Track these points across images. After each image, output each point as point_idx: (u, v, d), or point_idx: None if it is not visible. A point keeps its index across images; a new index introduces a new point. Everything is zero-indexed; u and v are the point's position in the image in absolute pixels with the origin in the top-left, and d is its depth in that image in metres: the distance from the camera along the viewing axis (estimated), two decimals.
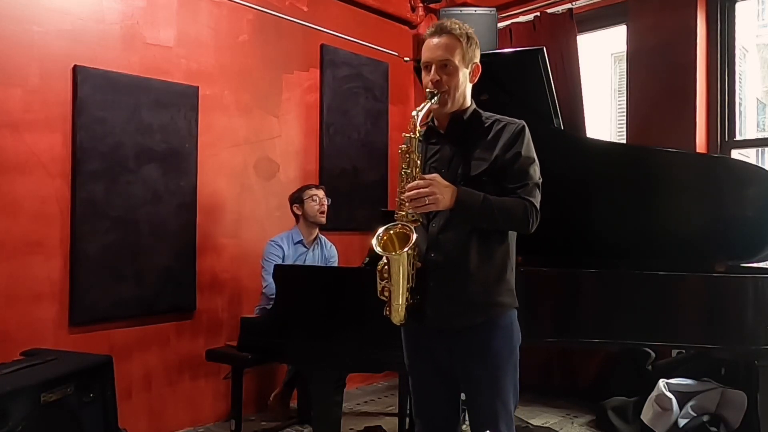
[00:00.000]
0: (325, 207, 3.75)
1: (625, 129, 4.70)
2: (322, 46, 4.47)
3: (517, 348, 1.92)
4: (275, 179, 4.20)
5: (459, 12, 4.58)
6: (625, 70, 4.70)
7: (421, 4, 5.10)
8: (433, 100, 1.85)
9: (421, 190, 1.74)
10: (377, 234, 1.81)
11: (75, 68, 3.21)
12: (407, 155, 1.84)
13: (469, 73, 1.93)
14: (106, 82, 3.31)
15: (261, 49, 4.10)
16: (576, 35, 4.45)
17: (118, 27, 3.40)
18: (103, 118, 3.29)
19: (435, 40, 1.90)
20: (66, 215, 3.19)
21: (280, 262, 3.59)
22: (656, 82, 4.16)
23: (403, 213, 1.80)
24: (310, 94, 4.44)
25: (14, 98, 3.03)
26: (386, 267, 1.83)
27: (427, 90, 1.88)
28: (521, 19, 4.78)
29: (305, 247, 3.76)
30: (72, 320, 3.20)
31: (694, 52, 4.02)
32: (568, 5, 4.47)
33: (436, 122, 1.98)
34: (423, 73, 1.92)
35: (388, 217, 3.12)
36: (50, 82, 3.15)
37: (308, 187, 3.78)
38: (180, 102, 3.63)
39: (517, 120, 1.92)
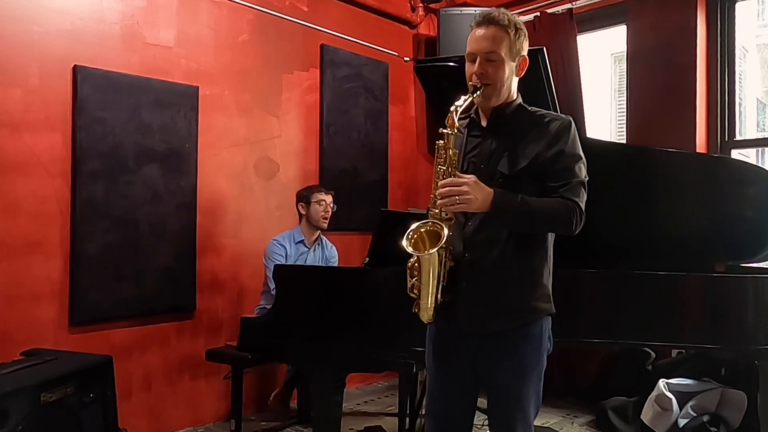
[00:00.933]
0: (330, 213, 3.74)
1: (625, 129, 4.70)
2: (322, 46, 4.47)
3: (545, 357, 1.85)
4: (275, 179, 4.20)
5: (459, 12, 4.58)
6: (625, 70, 4.70)
7: (421, 4, 5.10)
8: (475, 94, 1.77)
9: (454, 188, 1.67)
10: (407, 232, 1.75)
11: (75, 68, 3.21)
12: (443, 151, 1.75)
13: (516, 66, 1.84)
14: (106, 82, 3.31)
15: (261, 49, 4.10)
16: (576, 35, 4.44)
17: (118, 27, 3.39)
18: (103, 118, 3.29)
19: (481, 31, 1.80)
20: (66, 215, 3.19)
21: (283, 261, 3.60)
22: (656, 82, 4.16)
23: (437, 210, 1.74)
24: (310, 94, 4.44)
25: (14, 98, 3.03)
26: (416, 264, 1.77)
27: (470, 84, 1.79)
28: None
29: (306, 247, 3.76)
30: (72, 320, 3.20)
31: (694, 52, 4.02)
32: (568, 5, 4.47)
33: (479, 115, 1.89)
34: (467, 65, 1.82)
35: (387, 217, 3.14)
36: (50, 82, 3.15)
37: (318, 189, 3.76)
38: (180, 102, 3.63)
39: (563, 116, 1.85)
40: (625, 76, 4.50)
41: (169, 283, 3.58)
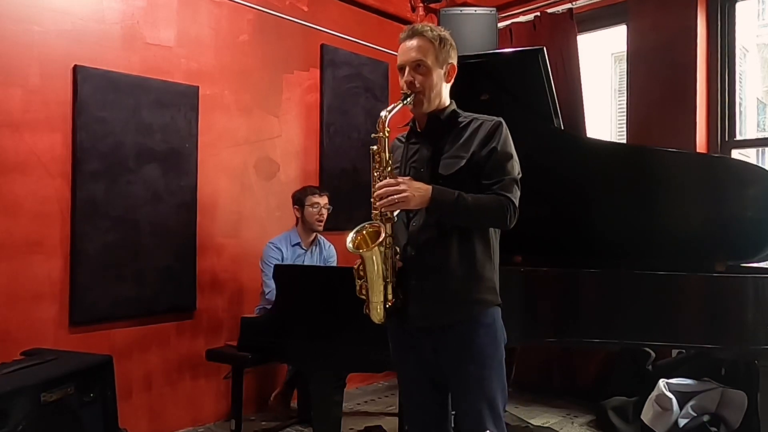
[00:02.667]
0: (324, 216, 3.72)
1: (625, 129, 4.70)
2: (322, 46, 4.47)
3: (502, 346, 1.93)
4: (275, 179, 4.20)
5: (459, 12, 4.57)
6: (625, 70, 4.70)
7: (421, 4, 5.10)
8: (405, 101, 1.89)
9: (390, 188, 1.77)
10: (350, 234, 1.87)
11: (75, 68, 3.21)
12: (378, 155, 1.86)
13: (444, 74, 1.94)
14: (107, 82, 3.31)
15: (261, 49, 4.10)
16: (576, 35, 4.44)
17: (118, 27, 3.40)
18: (103, 118, 3.29)
19: (408, 43, 1.92)
20: (66, 215, 3.19)
21: (280, 263, 3.59)
22: (656, 82, 4.16)
23: (377, 212, 1.84)
24: (310, 94, 4.44)
25: (14, 98, 3.03)
26: (362, 266, 1.87)
27: (402, 91, 1.91)
28: (521, 19, 4.78)
29: (303, 249, 3.75)
30: (72, 320, 3.20)
31: (694, 52, 4.02)
32: (568, 5, 4.47)
33: (416, 123, 2.00)
34: (399, 77, 1.94)
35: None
36: (50, 82, 3.15)
37: (312, 192, 3.73)
38: (180, 102, 3.63)
39: (494, 117, 1.94)
40: (625, 76, 4.50)
41: (169, 283, 3.58)
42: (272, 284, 3.22)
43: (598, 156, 3.15)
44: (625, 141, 4.79)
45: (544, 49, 2.88)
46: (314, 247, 3.81)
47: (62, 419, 2.45)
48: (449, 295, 1.87)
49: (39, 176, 3.11)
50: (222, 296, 3.89)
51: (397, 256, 1.87)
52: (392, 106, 1.88)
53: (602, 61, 6.99)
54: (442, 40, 1.93)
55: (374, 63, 4.81)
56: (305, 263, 3.72)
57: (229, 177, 3.93)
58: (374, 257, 1.82)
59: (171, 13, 3.63)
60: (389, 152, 1.87)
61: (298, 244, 3.74)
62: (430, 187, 1.80)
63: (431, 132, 1.96)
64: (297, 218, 3.76)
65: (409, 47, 1.91)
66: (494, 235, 1.95)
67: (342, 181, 4.54)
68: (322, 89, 4.47)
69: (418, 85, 1.89)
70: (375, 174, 1.87)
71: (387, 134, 1.86)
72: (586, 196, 3.09)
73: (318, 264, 3.79)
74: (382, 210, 1.82)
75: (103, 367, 2.68)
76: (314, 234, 3.78)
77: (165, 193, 3.56)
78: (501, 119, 1.93)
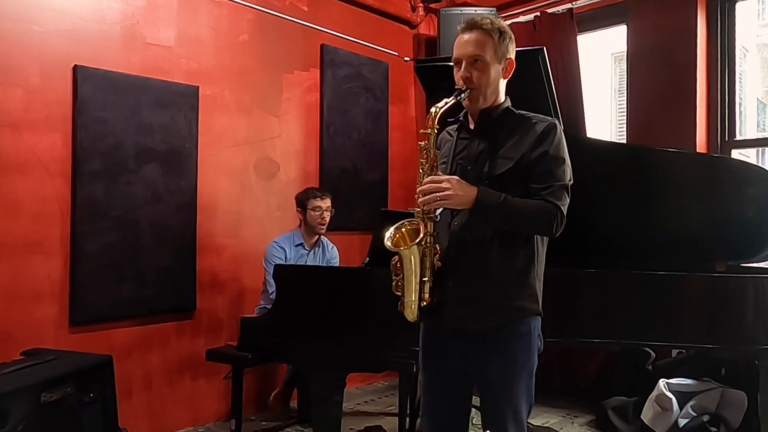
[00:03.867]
0: (327, 219, 3.71)
1: (625, 129, 4.70)
2: (322, 46, 4.47)
3: (536, 355, 1.87)
4: (275, 179, 4.20)
5: (459, 12, 4.58)
6: (625, 70, 4.70)
7: (421, 4, 5.10)
8: (460, 97, 1.81)
9: (434, 185, 1.72)
10: (389, 232, 1.80)
11: (75, 68, 3.21)
12: (425, 151, 1.80)
13: (503, 69, 1.88)
14: (107, 82, 3.31)
15: (261, 49, 4.10)
16: (576, 35, 4.44)
17: (118, 27, 3.40)
18: (103, 118, 3.29)
19: (466, 36, 1.84)
20: (66, 215, 3.19)
21: (283, 263, 3.59)
22: (656, 82, 4.16)
23: (419, 209, 1.78)
24: (310, 94, 4.44)
25: (14, 98, 3.03)
26: (399, 263, 1.81)
27: (456, 87, 1.83)
28: (521, 19, 4.78)
29: (305, 249, 3.75)
30: (72, 320, 3.20)
31: (694, 52, 4.02)
32: (568, 5, 4.47)
33: (468, 118, 1.94)
34: (454, 70, 1.86)
35: (388, 217, 3.13)
36: (50, 82, 3.15)
37: (315, 195, 3.71)
38: (180, 102, 3.63)
39: (549, 118, 1.88)
40: (625, 76, 4.50)
41: (169, 283, 3.58)
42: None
43: (598, 156, 3.14)
44: (625, 141, 4.79)
45: (544, 49, 2.88)
46: (317, 248, 3.81)
47: (62, 419, 2.45)
48: (487, 299, 1.81)
49: (39, 176, 3.11)
50: (222, 296, 3.89)
51: (437, 256, 1.81)
52: (444, 101, 1.80)
53: (602, 61, 6.98)
54: (501, 33, 1.85)
55: (374, 63, 4.81)
56: (308, 264, 3.72)
57: (229, 177, 3.93)
58: (412, 256, 1.76)
59: (171, 13, 3.63)
60: (435, 149, 1.81)
61: (301, 244, 3.74)
62: (475, 188, 1.74)
63: (483, 129, 1.89)
64: (300, 220, 3.75)
65: (467, 40, 1.83)
66: (540, 242, 1.88)
67: (342, 181, 4.54)
68: (322, 89, 4.47)
69: (474, 81, 1.81)
70: (421, 171, 1.80)
71: (436, 130, 1.81)
72: (586, 195, 3.05)
73: (320, 264, 3.78)
74: (424, 207, 1.76)
75: (103, 367, 2.68)
76: (317, 235, 3.78)
77: (165, 193, 3.56)
78: (556, 121, 1.87)
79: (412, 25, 5.14)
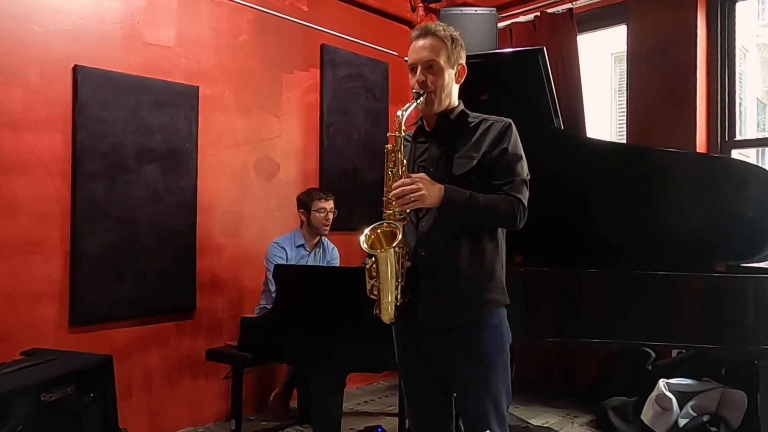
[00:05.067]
0: (331, 220, 3.71)
1: (625, 129, 4.70)
2: (322, 46, 4.47)
3: (507, 346, 1.94)
4: (275, 179, 4.20)
5: (459, 12, 4.58)
6: (625, 70, 4.70)
7: (421, 4, 5.10)
8: (419, 101, 1.88)
9: (406, 187, 1.76)
10: (364, 233, 1.84)
11: (75, 68, 3.21)
12: (393, 154, 1.87)
13: (455, 74, 1.95)
14: (107, 82, 3.31)
15: (261, 49, 4.10)
16: (576, 35, 4.44)
17: (118, 27, 3.40)
18: (103, 118, 3.29)
19: (420, 42, 1.92)
20: (66, 215, 3.19)
21: (284, 263, 3.58)
22: (656, 82, 4.16)
23: (391, 211, 1.82)
24: (310, 94, 4.44)
25: (14, 98, 3.03)
26: (374, 266, 1.86)
27: (413, 90, 1.91)
28: (521, 19, 4.78)
29: (307, 250, 3.75)
30: (72, 320, 3.20)
31: (694, 52, 4.02)
32: (568, 5, 4.47)
33: (425, 122, 2.01)
34: (410, 75, 1.94)
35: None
36: (50, 82, 3.15)
37: (318, 196, 3.70)
38: (180, 102, 3.63)
39: (504, 118, 1.95)
40: (625, 76, 4.50)
41: (169, 283, 3.58)
42: None
43: (598, 156, 3.15)
44: (625, 141, 4.79)
45: (544, 49, 2.88)
46: (318, 249, 3.81)
47: (62, 419, 2.45)
48: (459, 295, 1.87)
49: (39, 176, 3.11)
50: (222, 296, 3.89)
51: (406, 256, 1.87)
52: (407, 105, 1.87)
53: (602, 61, 6.98)
54: (454, 40, 1.93)
55: (374, 63, 4.81)
56: (308, 265, 3.72)
57: (229, 177, 3.93)
58: (389, 258, 1.81)
59: (171, 13, 3.63)
60: (404, 152, 1.87)
61: (302, 245, 3.73)
62: (442, 187, 1.80)
63: (441, 131, 1.96)
64: (302, 221, 3.75)
65: (422, 46, 1.91)
66: (502, 235, 1.96)
67: (342, 181, 4.54)
68: (322, 89, 4.47)
69: (430, 85, 1.88)
70: (389, 173, 1.86)
71: (403, 134, 1.87)
72: (586, 195, 3.09)
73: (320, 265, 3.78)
74: (398, 209, 1.80)
75: (103, 367, 2.68)
76: (319, 236, 3.78)
77: (165, 193, 3.56)
78: (510, 120, 1.93)
79: (412, 25, 5.13)
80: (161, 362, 3.58)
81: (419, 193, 1.75)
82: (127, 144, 3.40)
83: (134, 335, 3.46)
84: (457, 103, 1.98)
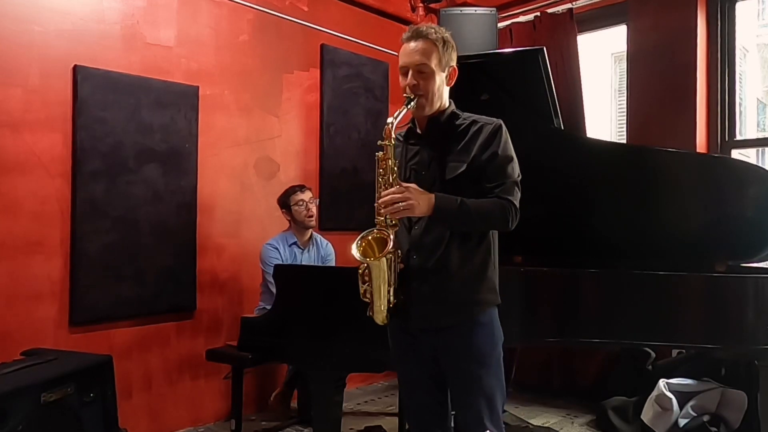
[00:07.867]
0: (314, 210, 3.72)
1: (625, 129, 4.70)
2: (322, 46, 4.47)
3: (500, 345, 1.95)
4: (275, 179, 4.19)
5: (459, 12, 4.57)
6: (625, 70, 4.70)
7: (421, 4, 5.10)
8: (409, 105, 1.88)
9: (396, 196, 1.77)
10: (355, 242, 1.86)
11: (75, 68, 3.21)
12: (383, 162, 1.86)
13: (446, 77, 1.94)
14: (107, 82, 3.31)
15: (261, 49, 4.10)
16: (576, 35, 4.45)
17: (118, 27, 3.39)
18: (103, 118, 3.29)
19: (411, 45, 1.91)
20: (66, 215, 3.19)
21: (279, 263, 3.59)
22: (656, 82, 4.16)
23: (381, 218, 1.84)
24: (310, 94, 4.44)
25: (14, 98, 3.03)
26: (367, 270, 1.88)
27: (405, 95, 1.90)
28: (521, 19, 4.78)
29: (300, 248, 3.75)
30: (72, 320, 3.20)
31: (694, 52, 4.02)
32: (568, 5, 4.47)
33: (416, 124, 2.01)
34: (401, 78, 1.94)
35: None
36: (50, 82, 3.15)
37: (293, 191, 3.72)
38: (180, 102, 3.63)
39: (494, 119, 1.94)
40: (625, 76, 4.50)
41: (169, 283, 3.58)
42: None
43: (598, 156, 3.15)
44: (625, 141, 4.79)
45: (544, 49, 2.88)
46: (311, 246, 3.81)
47: (62, 419, 2.45)
48: (451, 296, 1.89)
49: (39, 176, 3.11)
50: (222, 296, 3.89)
51: (398, 259, 1.89)
52: (398, 112, 1.88)
53: (602, 61, 6.99)
54: (445, 42, 1.92)
55: (374, 63, 4.81)
56: (303, 262, 3.72)
57: (229, 177, 3.93)
58: (381, 265, 1.83)
59: (171, 13, 3.63)
60: (394, 159, 1.87)
61: (295, 243, 3.74)
62: (432, 196, 1.80)
63: (432, 134, 1.97)
64: (288, 221, 3.76)
65: (413, 49, 1.90)
66: (494, 235, 1.97)
67: (342, 181, 4.54)
68: (322, 89, 4.47)
69: (421, 89, 1.88)
70: (380, 180, 1.87)
71: (393, 142, 1.87)
72: (586, 195, 3.09)
73: (316, 262, 3.79)
74: (389, 218, 1.82)
75: (102, 367, 2.68)
76: (309, 232, 3.79)
77: (165, 193, 3.56)
78: (501, 121, 1.93)
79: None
80: (161, 362, 3.58)
81: (408, 202, 1.76)
82: (127, 144, 3.40)
83: (134, 335, 3.46)
84: (447, 105, 1.98)
